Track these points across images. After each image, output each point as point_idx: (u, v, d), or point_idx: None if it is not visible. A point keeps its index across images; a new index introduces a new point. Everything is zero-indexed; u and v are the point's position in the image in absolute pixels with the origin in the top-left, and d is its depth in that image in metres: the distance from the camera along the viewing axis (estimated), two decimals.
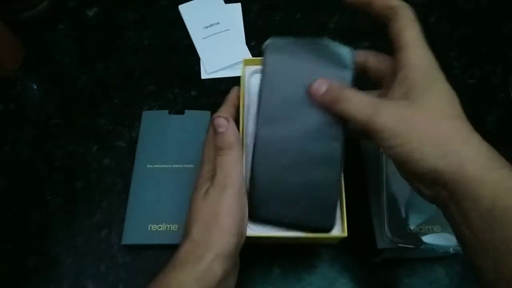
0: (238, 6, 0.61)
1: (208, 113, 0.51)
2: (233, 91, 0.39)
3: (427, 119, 0.26)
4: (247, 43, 0.58)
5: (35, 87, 0.56)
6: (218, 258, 0.29)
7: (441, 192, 0.27)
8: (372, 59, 0.32)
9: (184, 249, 0.30)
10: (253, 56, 0.56)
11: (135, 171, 0.46)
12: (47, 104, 0.53)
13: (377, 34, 0.60)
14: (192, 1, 0.62)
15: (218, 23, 0.60)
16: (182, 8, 0.61)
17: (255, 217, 0.34)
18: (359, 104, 0.28)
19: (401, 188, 0.39)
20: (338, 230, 0.36)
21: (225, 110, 0.36)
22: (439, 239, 0.38)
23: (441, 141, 0.26)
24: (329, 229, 0.35)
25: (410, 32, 0.28)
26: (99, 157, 0.49)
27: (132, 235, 0.43)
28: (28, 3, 0.57)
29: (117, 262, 0.44)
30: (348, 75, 0.31)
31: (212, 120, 0.34)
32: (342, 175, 0.34)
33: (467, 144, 0.26)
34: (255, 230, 0.35)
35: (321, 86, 0.30)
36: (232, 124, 0.33)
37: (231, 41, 0.58)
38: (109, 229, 0.45)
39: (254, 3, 0.62)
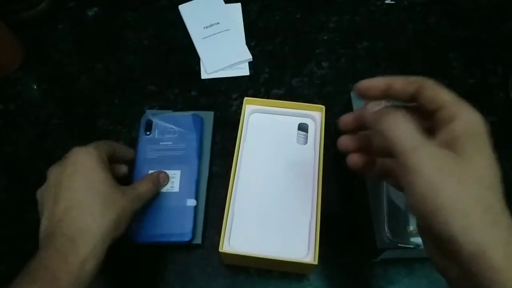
0: (238, 6, 0.61)
1: (211, 113, 0.51)
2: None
3: (466, 181, 0.23)
4: (247, 43, 0.58)
5: (35, 87, 0.56)
6: None
7: (454, 268, 0.24)
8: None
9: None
10: (253, 56, 0.56)
11: (136, 171, 0.46)
12: (47, 104, 0.53)
13: (377, 34, 0.60)
14: (192, 1, 0.62)
15: (218, 23, 0.60)
16: (182, 8, 0.61)
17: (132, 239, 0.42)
18: (405, 131, 0.25)
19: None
20: (311, 258, 0.37)
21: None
22: None
23: (471, 213, 0.23)
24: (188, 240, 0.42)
25: (447, 94, 0.27)
26: None
27: (130, 235, 0.43)
28: (28, 3, 0.57)
29: (116, 262, 0.43)
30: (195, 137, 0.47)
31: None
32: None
33: (495, 225, 0.23)
34: (232, 248, 0.38)
35: (374, 106, 0.29)
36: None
37: (231, 41, 0.58)
38: None
39: (254, 3, 0.62)
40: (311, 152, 0.42)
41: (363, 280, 0.43)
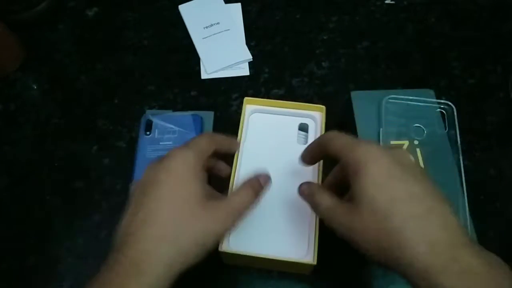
0: (238, 6, 0.61)
1: (211, 113, 0.51)
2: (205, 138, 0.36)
3: (363, 224, 0.28)
4: (247, 43, 0.58)
5: (35, 87, 0.56)
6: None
7: None
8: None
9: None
10: (253, 56, 0.56)
11: (136, 171, 0.46)
12: (47, 104, 0.53)
13: (377, 34, 0.60)
14: (192, 1, 0.62)
15: (218, 23, 0.60)
16: (182, 8, 0.61)
17: None
18: (322, 207, 0.32)
19: None
20: (310, 258, 0.37)
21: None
22: None
23: (382, 246, 0.27)
24: None
25: (339, 141, 0.31)
26: (99, 157, 0.49)
27: None
28: (28, 3, 0.57)
29: None
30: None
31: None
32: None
33: (408, 251, 0.26)
34: (232, 247, 0.37)
35: (304, 187, 0.35)
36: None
37: (231, 41, 0.58)
38: (109, 229, 0.45)
39: (254, 3, 0.62)
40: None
41: (363, 280, 0.43)
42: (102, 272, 0.28)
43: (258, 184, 0.34)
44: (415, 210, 0.26)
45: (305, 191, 0.34)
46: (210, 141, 0.34)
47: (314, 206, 0.33)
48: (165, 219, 0.29)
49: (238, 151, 0.42)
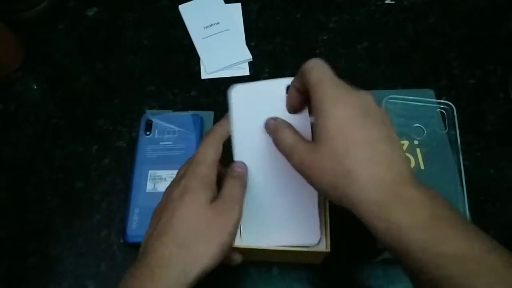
0: (238, 6, 0.61)
1: (211, 113, 0.51)
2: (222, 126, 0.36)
3: (323, 163, 0.29)
4: (247, 43, 0.58)
5: (35, 87, 0.56)
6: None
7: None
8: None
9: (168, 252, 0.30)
10: (253, 56, 0.56)
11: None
12: (47, 104, 0.53)
13: (377, 34, 0.60)
14: (192, 1, 0.62)
15: (218, 23, 0.60)
16: (182, 8, 0.61)
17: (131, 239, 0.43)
18: (284, 144, 0.32)
19: None
20: (322, 246, 0.36)
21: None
22: None
23: (336, 185, 0.28)
24: None
25: (312, 77, 0.30)
26: (99, 157, 0.49)
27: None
28: (28, 3, 0.57)
29: (117, 262, 0.44)
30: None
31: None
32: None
33: (359, 190, 0.27)
34: (242, 242, 0.36)
35: (270, 122, 0.34)
36: None
37: (231, 41, 0.58)
38: (109, 229, 0.45)
39: (254, 3, 0.62)
40: (306, 119, 0.35)
41: (363, 280, 0.43)
42: (126, 277, 0.30)
43: (239, 170, 0.35)
44: (367, 154, 0.28)
45: (270, 126, 0.34)
46: (217, 148, 0.35)
47: (276, 142, 0.33)
48: (177, 226, 0.31)
49: (232, 136, 0.36)
